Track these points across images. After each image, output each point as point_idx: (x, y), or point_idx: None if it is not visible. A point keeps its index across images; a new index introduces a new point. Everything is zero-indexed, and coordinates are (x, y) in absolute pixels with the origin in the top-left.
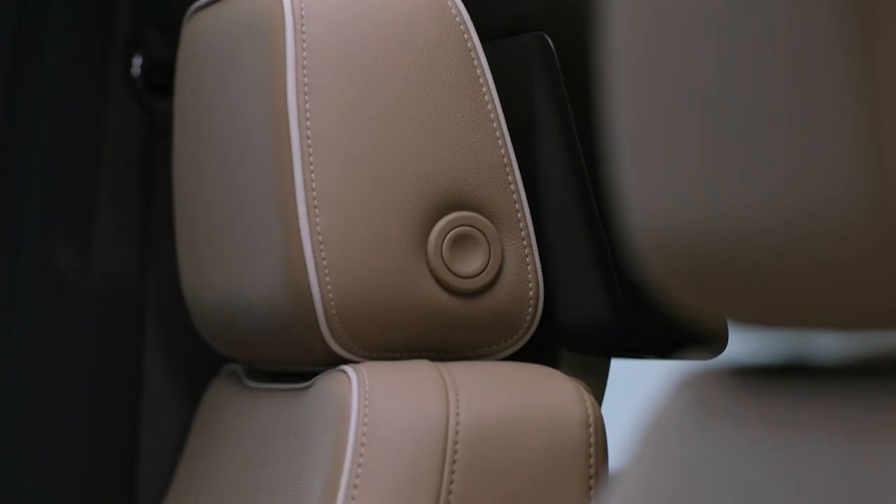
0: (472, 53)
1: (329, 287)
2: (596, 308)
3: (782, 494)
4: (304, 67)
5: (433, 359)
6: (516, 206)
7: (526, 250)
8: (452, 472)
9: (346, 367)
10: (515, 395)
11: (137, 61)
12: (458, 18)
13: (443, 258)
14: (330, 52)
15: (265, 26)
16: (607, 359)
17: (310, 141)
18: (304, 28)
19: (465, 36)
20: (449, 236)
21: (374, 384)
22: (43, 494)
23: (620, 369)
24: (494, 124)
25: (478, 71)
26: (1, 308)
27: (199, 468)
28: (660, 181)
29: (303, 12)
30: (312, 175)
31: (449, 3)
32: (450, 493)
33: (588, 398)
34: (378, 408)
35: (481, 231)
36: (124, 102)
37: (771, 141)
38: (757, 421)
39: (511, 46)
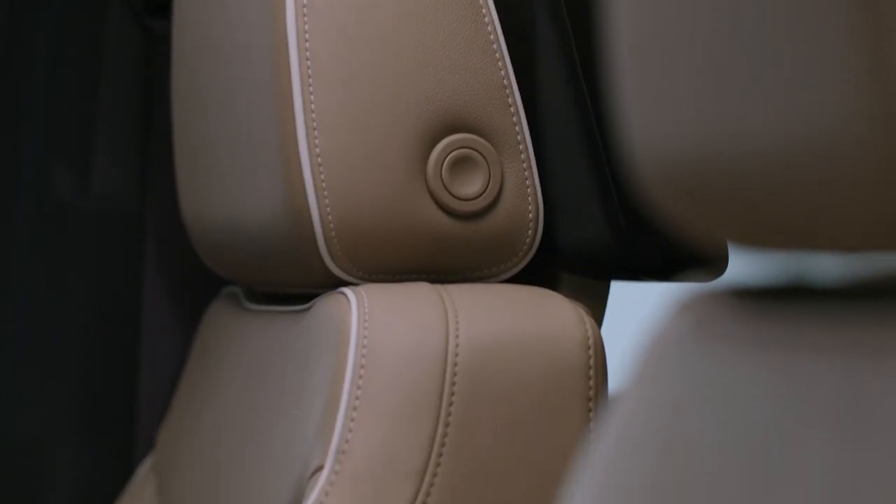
0: None
1: (328, 209)
2: (596, 230)
3: (781, 416)
4: None
5: (433, 281)
6: (516, 128)
7: (526, 172)
8: (452, 394)
9: (346, 290)
10: (515, 317)
11: None
12: None
13: (442, 180)
14: None
15: None
16: (607, 281)
17: (309, 63)
18: None
19: None
20: (448, 158)
21: (373, 306)
22: (42, 417)
23: (621, 292)
24: (494, 46)
25: None
26: None
27: (199, 390)
28: (661, 103)
29: None
30: (312, 98)
31: None
32: (449, 414)
33: (588, 320)
34: (377, 330)
35: (481, 153)
36: (123, 23)
37: (774, 61)
38: (756, 343)
39: None
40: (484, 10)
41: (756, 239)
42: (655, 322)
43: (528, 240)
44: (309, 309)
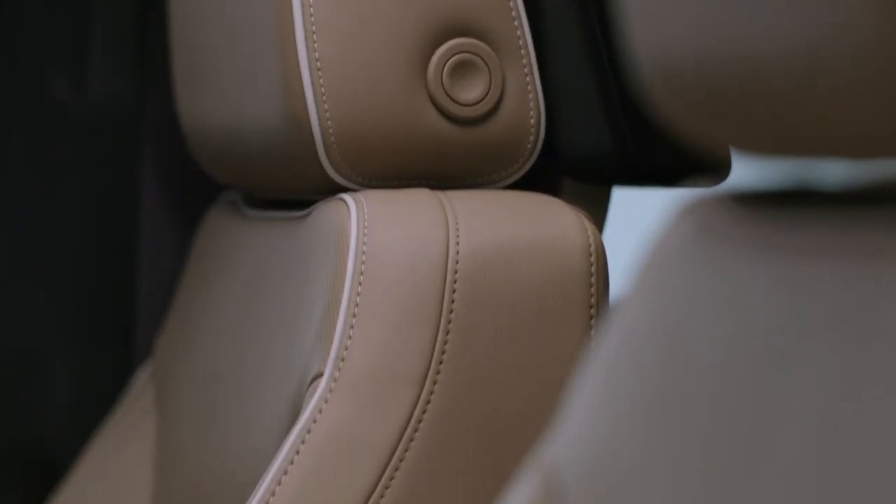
0: None
1: (327, 114)
2: (598, 136)
3: (784, 323)
4: None
5: (433, 187)
6: (518, 32)
7: (527, 78)
8: (452, 300)
9: (345, 196)
10: (516, 224)
11: None
12: None
13: (443, 85)
14: None
15: None
16: (609, 187)
17: None
18: None
19: None
20: (449, 63)
21: (372, 212)
22: (39, 326)
23: (622, 200)
24: None
25: None
26: None
27: (197, 298)
28: (665, 7)
29: None
30: (311, 2)
31: None
32: (450, 321)
33: (589, 227)
34: (377, 236)
35: (482, 58)
36: None
37: None
38: (759, 247)
39: None
40: None
41: (759, 145)
42: (657, 228)
43: (529, 146)
44: (308, 215)
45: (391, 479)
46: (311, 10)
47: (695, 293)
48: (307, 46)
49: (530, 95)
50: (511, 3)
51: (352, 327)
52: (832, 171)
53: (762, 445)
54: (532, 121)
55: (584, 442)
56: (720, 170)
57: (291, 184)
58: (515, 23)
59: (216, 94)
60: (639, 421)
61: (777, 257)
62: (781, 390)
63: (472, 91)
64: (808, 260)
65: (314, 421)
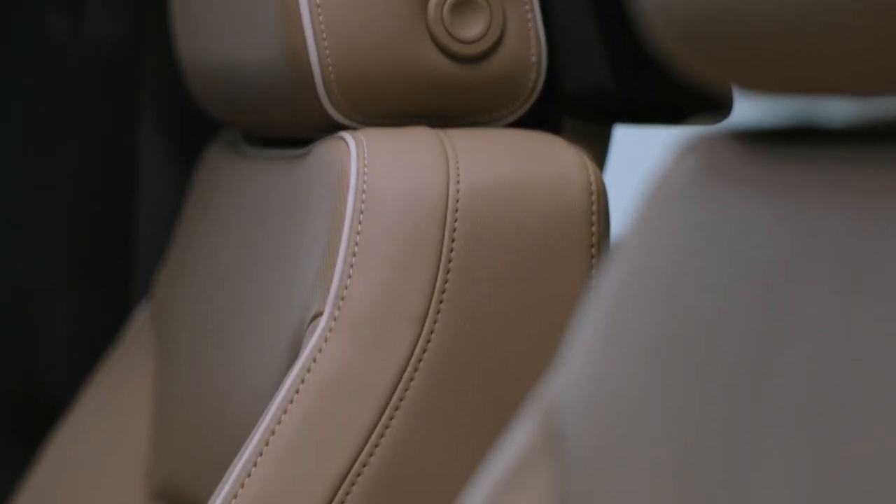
0: None
1: (327, 52)
2: (599, 73)
3: (786, 263)
4: None
5: (433, 126)
6: None
7: (528, 15)
8: (452, 239)
9: (345, 134)
10: (516, 162)
11: None
12: None
13: (443, 22)
14: None
15: None
16: (610, 126)
17: None
18: None
19: None
20: (450, 0)
21: (372, 151)
22: (38, 264)
23: (624, 139)
24: None
25: None
26: None
27: (197, 236)
28: None
29: None
30: None
31: None
32: (450, 260)
33: (590, 165)
34: (377, 175)
35: None
36: None
37: None
38: (762, 185)
39: None
40: None
41: (761, 83)
42: (659, 166)
43: (530, 83)
44: (307, 153)
45: (391, 418)
46: None
47: (696, 232)
48: None
49: (531, 33)
50: None
51: (352, 266)
52: (837, 109)
53: (762, 387)
54: (533, 58)
55: (584, 381)
56: (722, 108)
57: (290, 122)
58: None
59: (215, 31)
60: (639, 361)
61: (780, 196)
62: (782, 331)
63: (472, 28)
64: (812, 198)
65: (314, 360)
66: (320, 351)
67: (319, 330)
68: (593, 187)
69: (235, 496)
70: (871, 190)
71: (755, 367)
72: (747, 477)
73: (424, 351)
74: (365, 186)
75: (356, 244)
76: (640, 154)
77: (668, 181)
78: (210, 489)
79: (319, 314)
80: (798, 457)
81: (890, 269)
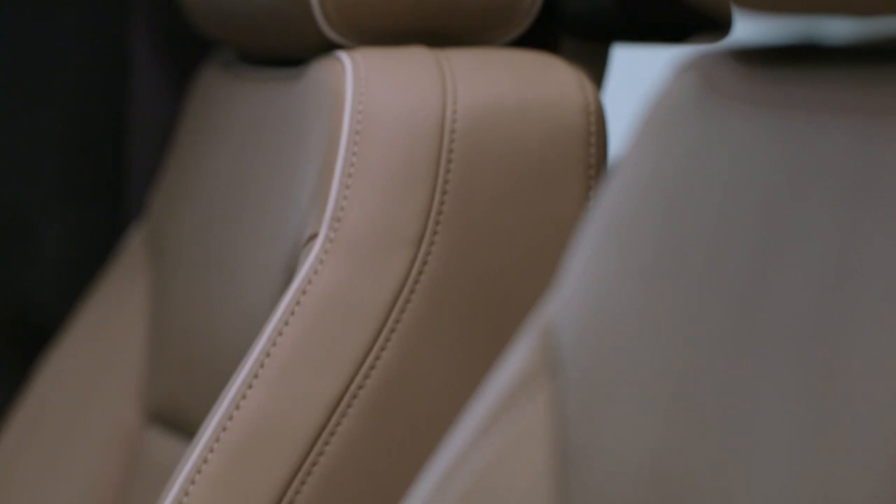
0: None
1: None
2: None
3: (786, 180)
4: None
5: (430, 46)
6: None
7: None
8: (449, 160)
9: (341, 53)
10: (514, 83)
11: None
12: None
13: None
14: None
15: None
16: (609, 45)
17: None
18: None
19: None
20: None
21: (368, 71)
22: (30, 182)
23: (623, 59)
24: None
25: None
26: None
27: (191, 156)
28: None
29: None
30: None
31: None
32: (447, 182)
33: (588, 85)
34: (373, 95)
35: None
36: None
37: None
38: (761, 103)
39: None
40: None
41: (761, 1)
42: (657, 85)
43: (528, 2)
44: (303, 73)
45: (387, 340)
46: None
47: (694, 151)
48: None
49: None
50: None
51: (347, 188)
52: (838, 27)
53: (760, 307)
54: None
55: (581, 303)
56: (722, 26)
57: (286, 41)
58: None
59: None
60: (636, 281)
61: (780, 115)
62: (781, 251)
63: None
64: (813, 118)
65: (309, 282)
66: (315, 273)
67: (315, 251)
68: (591, 107)
69: (231, 418)
70: (875, 109)
71: (753, 287)
72: (744, 397)
73: (420, 273)
74: (361, 107)
75: (352, 165)
76: (638, 74)
77: (667, 100)
78: (206, 411)
79: (315, 236)
80: (795, 377)
81: (890, 186)
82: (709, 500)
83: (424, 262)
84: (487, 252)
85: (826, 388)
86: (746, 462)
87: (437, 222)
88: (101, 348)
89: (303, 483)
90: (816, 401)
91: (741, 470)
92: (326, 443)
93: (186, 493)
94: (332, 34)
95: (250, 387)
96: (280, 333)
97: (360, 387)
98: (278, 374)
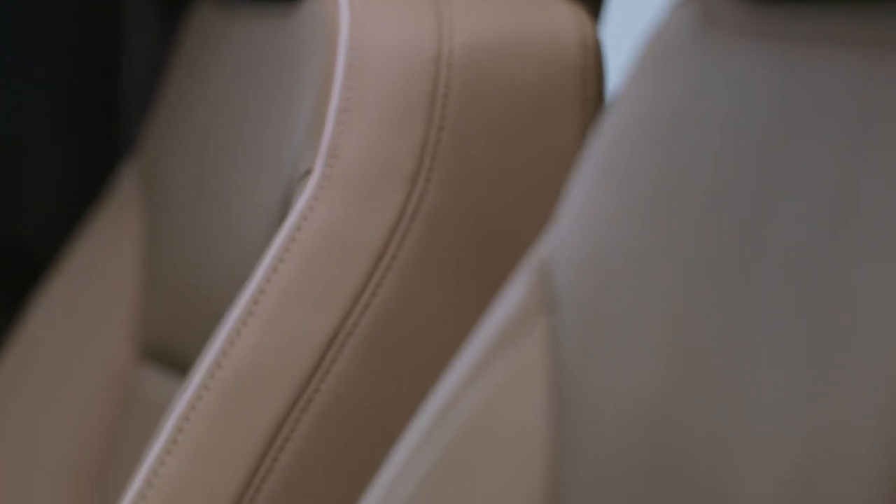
0: None
1: None
2: None
3: (786, 115)
4: None
5: None
6: None
7: None
8: (446, 95)
9: None
10: (511, 18)
11: None
12: None
13: None
14: None
15: None
16: None
17: None
18: None
19: None
20: None
21: (364, 5)
22: (22, 115)
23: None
24: None
25: None
26: None
27: (185, 90)
28: None
29: None
30: None
31: None
32: (443, 117)
33: (586, 21)
34: (368, 29)
35: None
36: None
37: None
38: (761, 35)
39: None
40: None
41: None
42: (656, 17)
43: None
44: (298, 8)
45: (383, 276)
46: None
47: (693, 83)
48: None
49: None
50: None
51: (342, 123)
52: None
53: (760, 242)
54: None
55: (578, 239)
56: None
57: None
58: None
59: None
60: (634, 217)
61: (780, 47)
62: (781, 185)
63: None
64: (814, 50)
65: (304, 218)
66: (311, 208)
67: (310, 187)
68: (589, 43)
69: (225, 355)
70: (876, 43)
71: (752, 224)
72: (743, 335)
73: (417, 209)
74: (356, 42)
75: (347, 100)
76: (636, 8)
77: (665, 34)
78: (200, 348)
79: (310, 171)
80: (794, 314)
81: (891, 117)
82: (707, 439)
83: (421, 198)
84: (485, 188)
85: (825, 326)
86: (745, 400)
87: (434, 157)
88: (93, 285)
89: (298, 419)
90: (816, 338)
91: (740, 408)
92: (322, 379)
93: (181, 430)
94: None
95: (245, 323)
96: (275, 270)
97: (356, 323)
98: (273, 310)
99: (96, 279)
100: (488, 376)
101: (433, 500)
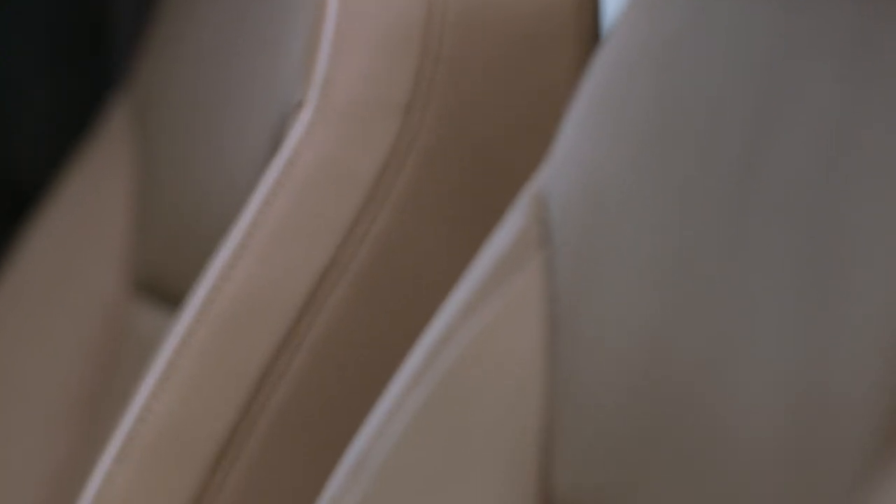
0: None
1: None
2: None
3: (786, 39)
4: None
5: None
6: None
7: None
8: (442, 27)
9: None
10: None
11: None
12: None
13: None
14: None
15: None
16: None
17: None
18: None
19: None
20: None
21: None
22: (9, 45)
23: None
24: None
25: None
26: None
27: (177, 24)
28: None
29: None
30: None
31: None
32: (439, 48)
33: None
34: None
35: None
36: None
37: None
38: None
39: None
40: None
41: None
42: None
43: None
44: None
45: (378, 210)
46: None
47: (691, 15)
48: None
49: None
50: None
51: (336, 54)
52: None
53: (758, 171)
54: None
55: (573, 171)
56: None
57: None
58: None
59: None
60: (630, 147)
61: None
62: (781, 113)
63: None
64: None
65: (297, 151)
66: (304, 142)
67: (303, 120)
68: None
69: (218, 290)
70: None
71: (751, 155)
72: (741, 266)
73: (412, 142)
74: None
75: (341, 31)
76: None
77: None
78: (194, 282)
79: (303, 104)
80: (793, 245)
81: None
82: (705, 370)
83: (416, 131)
84: (481, 121)
85: (825, 258)
86: (744, 332)
87: (429, 89)
88: (83, 218)
89: (292, 355)
90: (815, 271)
91: (739, 340)
92: (316, 314)
93: (174, 366)
94: None
95: (238, 258)
96: (268, 204)
97: (351, 258)
98: (266, 244)
99: (87, 212)
100: (484, 310)
101: (429, 433)
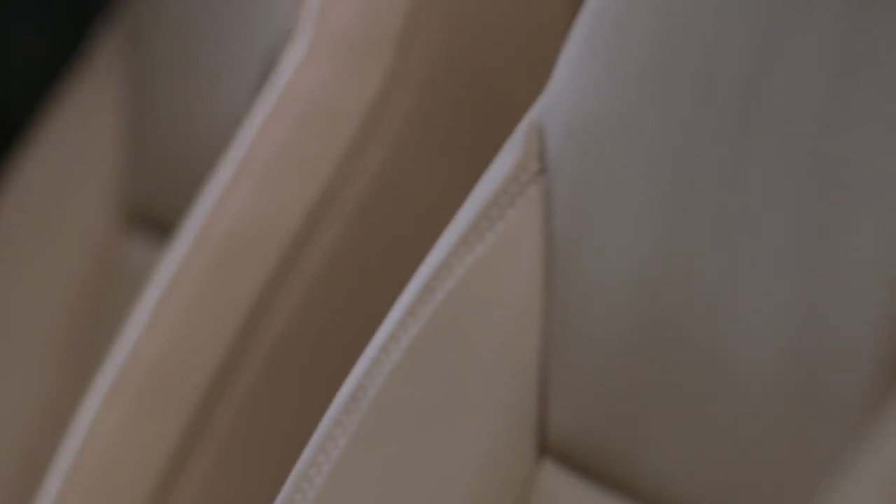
0: None
1: None
2: None
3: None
4: None
5: None
6: None
7: None
8: None
9: None
10: None
11: None
12: None
13: None
14: None
15: None
16: None
17: None
18: None
19: None
20: None
21: None
22: None
23: None
24: None
25: None
26: None
27: None
28: None
29: None
30: None
31: None
32: None
33: None
34: None
35: None
36: None
37: None
38: None
39: None
40: None
41: None
42: None
43: None
44: None
45: (372, 143)
46: None
47: None
48: None
49: None
50: None
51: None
52: None
53: (758, 104)
54: None
55: (571, 101)
56: None
57: None
58: None
59: None
60: (629, 80)
61: None
62: (781, 47)
63: None
64: None
65: (289, 83)
66: (295, 73)
67: (296, 52)
68: None
69: (211, 223)
70: None
71: (751, 87)
72: (742, 200)
73: (407, 74)
74: None
75: None
76: None
77: None
78: (185, 214)
79: (294, 35)
80: (795, 177)
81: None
82: (705, 306)
83: (411, 62)
84: (477, 52)
85: (827, 193)
86: (745, 267)
87: (425, 21)
88: (73, 150)
89: (285, 289)
90: (817, 206)
91: (740, 275)
92: (310, 250)
93: (164, 302)
94: None
95: (231, 190)
96: (261, 136)
97: (344, 192)
98: (258, 178)
99: (76, 145)
100: (481, 243)
101: (424, 365)
